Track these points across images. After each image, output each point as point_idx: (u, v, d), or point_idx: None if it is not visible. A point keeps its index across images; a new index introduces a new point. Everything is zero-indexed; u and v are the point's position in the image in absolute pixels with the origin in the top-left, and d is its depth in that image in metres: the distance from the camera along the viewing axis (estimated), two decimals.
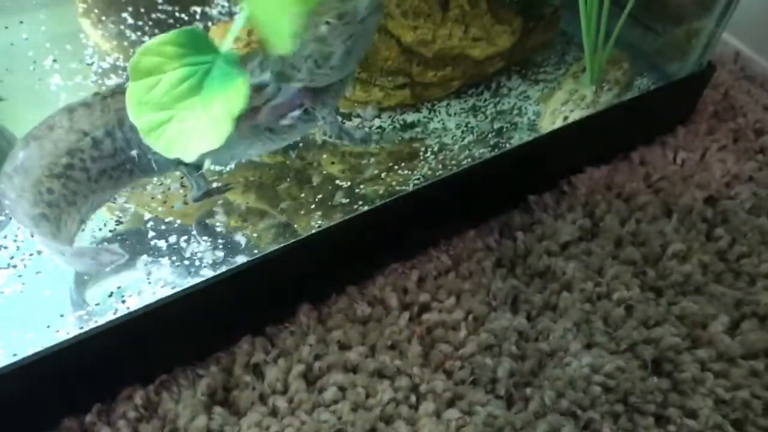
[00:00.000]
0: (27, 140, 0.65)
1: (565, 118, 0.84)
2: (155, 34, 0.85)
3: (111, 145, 0.67)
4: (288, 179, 0.79)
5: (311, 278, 0.75)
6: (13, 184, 0.64)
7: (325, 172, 0.79)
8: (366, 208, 0.74)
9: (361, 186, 0.78)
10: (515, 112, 0.87)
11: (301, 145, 0.81)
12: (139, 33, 0.85)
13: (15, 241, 0.69)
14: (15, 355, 0.61)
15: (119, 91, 0.66)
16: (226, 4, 0.85)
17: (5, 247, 0.69)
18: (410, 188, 0.77)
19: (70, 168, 0.66)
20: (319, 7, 0.61)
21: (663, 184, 0.88)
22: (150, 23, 0.85)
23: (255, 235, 0.74)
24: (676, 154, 0.92)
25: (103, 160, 0.67)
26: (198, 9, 0.85)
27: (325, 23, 0.61)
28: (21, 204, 0.63)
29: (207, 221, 0.75)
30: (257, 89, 0.67)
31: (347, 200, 0.77)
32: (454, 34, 0.80)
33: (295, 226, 0.75)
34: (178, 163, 0.69)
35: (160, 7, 0.86)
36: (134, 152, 0.68)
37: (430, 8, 0.78)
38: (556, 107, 0.86)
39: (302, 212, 0.76)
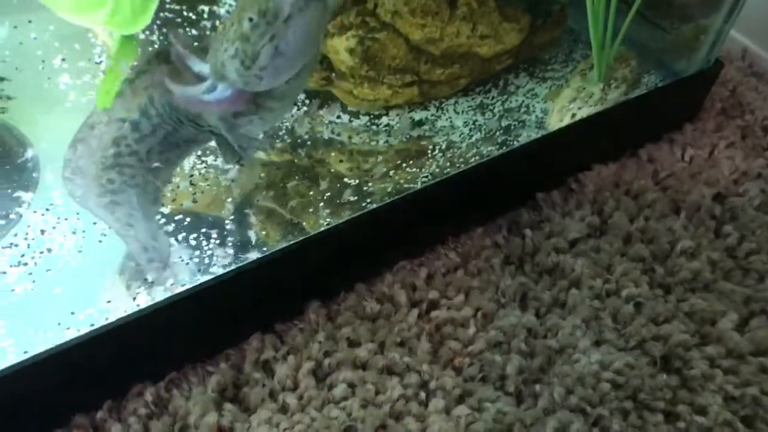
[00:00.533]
0: (74, 144, 0.67)
1: (573, 115, 0.84)
2: (163, 33, 0.86)
3: (148, 123, 0.66)
4: (296, 177, 0.79)
5: (320, 276, 0.75)
6: (76, 185, 0.67)
7: (333, 170, 0.80)
8: (374, 206, 0.74)
9: (369, 184, 0.78)
10: (523, 109, 0.87)
11: (309, 143, 0.81)
12: (147, 32, 0.85)
13: (26, 239, 0.69)
14: (26, 352, 0.61)
15: (142, 71, 0.66)
16: (233, 3, 0.85)
17: (16, 245, 0.69)
18: (418, 186, 0.77)
19: (119, 156, 0.66)
20: (243, 1, 0.59)
21: (671, 181, 0.88)
22: (158, 22, 0.85)
23: (263, 232, 0.74)
24: (684, 151, 0.92)
25: (146, 139, 0.67)
26: (206, 8, 0.85)
27: (248, 19, 0.57)
28: (90, 198, 0.67)
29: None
30: (198, 78, 0.64)
31: (355, 198, 0.77)
32: (462, 32, 0.80)
33: (304, 224, 0.76)
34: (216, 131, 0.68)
35: (168, 6, 0.86)
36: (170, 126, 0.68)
37: (438, 6, 0.78)
38: (563, 104, 0.86)
39: (310, 210, 0.76)
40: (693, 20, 0.92)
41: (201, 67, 0.63)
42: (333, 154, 0.81)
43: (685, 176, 0.89)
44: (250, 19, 0.57)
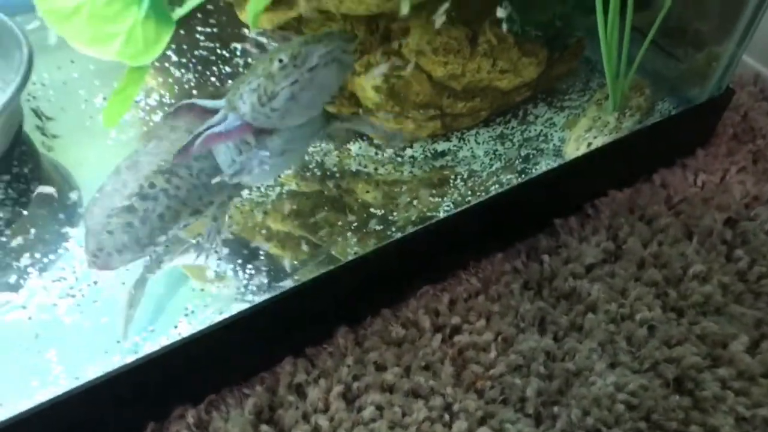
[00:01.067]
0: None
1: (589, 144, 0.88)
2: (198, 71, 0.90)
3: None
4: (325, 207, 0.83)
5: (348, 302, 0.79)
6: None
7: (360, 200, 0.84)
8: (399, 235, 0.78)
9: (395, 213, 0.82)
10: (541, 138, 0.91)
11: (337, 174, 0.85)
12: (183, 70, 0.90)
13: (74, 273, 0.74)
14: (77, 378, 0.66)
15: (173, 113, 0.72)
16: (264, 40, 0.89)
17: (64, 278, 0.74)
18: (441, 215, 0.81)
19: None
20: (283, 43, 0.64)
21: (684, 206, 0.91)
22: (193, 60, 0.90)
23: (295, 262, 0.78)
24: (696, 176, 0.95)
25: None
26: (238, 45, 0.90)
27: (278, 60, 0.62)
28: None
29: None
30: (211, 112, 0.68)
31: (381, 227, 0.81)
32: (483, 68, 0.84)
33: (333, 251, 0.80)
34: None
35: (201, 44, 0.91)
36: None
37: (460, 44, 0.82)
38: (580, 134, 0.89)
39: (339, 239, 0.80)
40: (705, 48, 0.96)
41: (214, 104, 0.69)
42: (360, 184, 0.85)
43: (698, 201, 0.92)
44: (281, 60, 0.62)
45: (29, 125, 0.87)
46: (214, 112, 0.68)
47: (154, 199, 0.70)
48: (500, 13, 0.81)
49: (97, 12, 0.60)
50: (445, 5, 0.77)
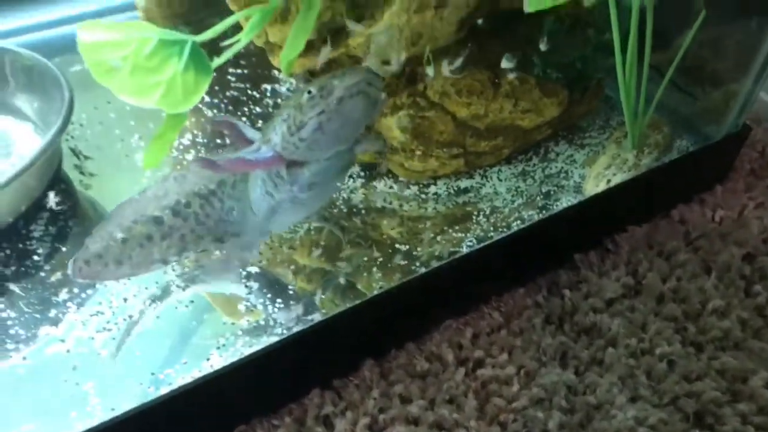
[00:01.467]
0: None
1: (608, 181, 0.90)
2: (230, 111, 0.93)
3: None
4: (350, 242, 0.85)
5: (373, 335, 0.81)
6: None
7: (385, 235, 0.86)
8: (423, 270, 0.80)
9: (419, 249, 0.84)
10: (562, 175, 0.93)
11: (363, 211, 0.88)
12: (215, 110, 0.93)
13: (110, 307, 0.77)
14: (113, 410, 0.68)
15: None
16: (293, 81, 0.92)
17: (102, 313, 0.76)
18: (464, 250, 0.83)
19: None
20: (315, 79, 0.67)
21: (702, 242, 0.93)
22: (225, 101, 0.93)
23: (322, 296, 0.81)
24: (714, 212, 0.97)
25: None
26: (268, 86, 0.93)
27: (307, 91, 0.65)
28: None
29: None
30: (246, 141, 0.72)
31: (406, 262, 0.83)
32: (505, 108, 0.87)
33: (358, 286, 0.82)
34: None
35: (233, 85, 0.94)
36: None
37: (483, 86, 0.85)
38: (599, 171, 0.92)
39: (365, 273, 0.83)
40: (722, 86, 0.98)
41: (252, 133, 0.72)
42: (385, 220, 0.87)
43: (716, 237, 0.94)
44: (309, 92, 0.65)
45: (67, 164, 0.90)
46: (249, 141, 0.71)
47: (185, 218, 0.73)
48: (505, 63, 0.84)
49: (139, 64, 0.63)
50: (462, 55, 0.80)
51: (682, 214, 0.97)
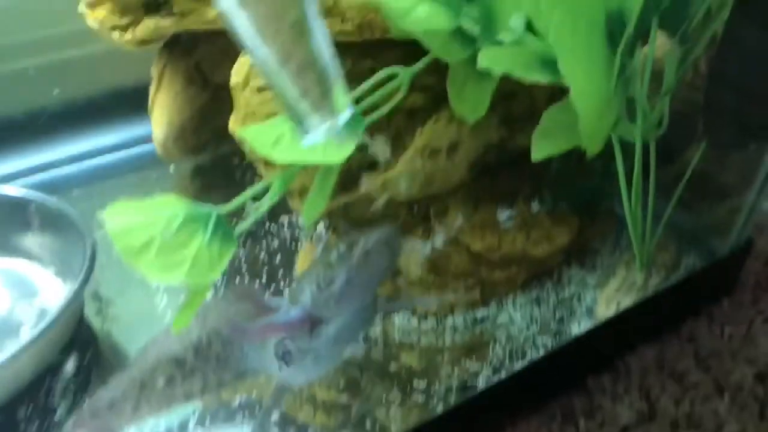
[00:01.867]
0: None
1: (619, 303, 0.92)
2: (245, 246, 0.95)
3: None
4: (369, 379, 0.87)
5: None
6: None
7: (403, 369, 0.88)
8: (440, 406, 0.82)
9: (436, 383, 0.86)
10: (575, 299, 0.95)
11: (382, 345, 0.89)
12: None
13: None
14: None
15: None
16: None
17: None
18: (480, 383, 0.84)
19: None
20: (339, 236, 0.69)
21: (712, 361, 0.94)
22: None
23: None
24: (722, 328, 0.99)
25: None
26: (285, 219, 0.95)
27: (336, 249, 0.69)
28: None
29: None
30: (267, 309, 0.74)
31: (424, 396, 0.84)
32: (518, 240, 0.89)
33: (377, 422, 0.83)
34: None
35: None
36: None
37: (495, 220, 0.87)
38: (610, 294, 0.94)
39: (383, 409, 0.84)
40: (726, 200, 1.00)
41: (275, 302, 0.74)
42: (404, 354, 0.89)
43: (726, 355, 0.95)
44: (338, 249, 0.67)
45: (89, 308, 0.92)
46: (269, 309, 0.73)
47: (206, 359, 0.75)
48: (501, 217, 0.87)
49: (166, 243, 0.64)
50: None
51: (691, 330, 0.99)
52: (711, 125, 0.96)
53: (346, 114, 0.56)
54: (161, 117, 1.06)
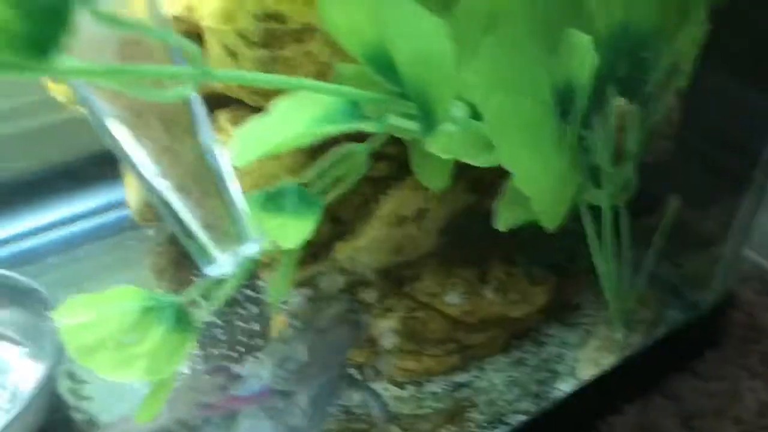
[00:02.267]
0: None
1: (599, 362, 0.91)
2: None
3: None
4: None
5: None
6: None
7: None
8: None
9: None
10: (555, 360, 0.94)
11: (361, 416, 0.88)
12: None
13: None
14: None
15: None
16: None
17: None
18: None
19: None
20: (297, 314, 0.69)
21: (697, 421, 0.93)
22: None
23: None
24: (707, 385, 0.97)
25: None
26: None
27: (293, 327, 0.68)
28: None
29: None
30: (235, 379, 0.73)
31: None
32: (494, 302, 0.88)
33: None
34: None
35: None
36: None
37: (470, 283, 0.87)
38: (590, 355, 0.92)
39: None
40: (707, 251, 0.99)
41: (245, 371, 0.72)
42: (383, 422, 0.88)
43: (710, 413, 0.94)
44: (295, 327, 0.66)
45: (63, 387, 0.91)
46: (239, 378, 0.72)
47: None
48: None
49: (121, 340, 0.63)
50: None
51: (674, 388, 0.97)
52: (686, 176, 0.95)
53: (252, 246, 0.56)
54: (133, 184, 1.06)
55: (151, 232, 1.15)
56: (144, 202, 1.06)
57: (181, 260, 1.13)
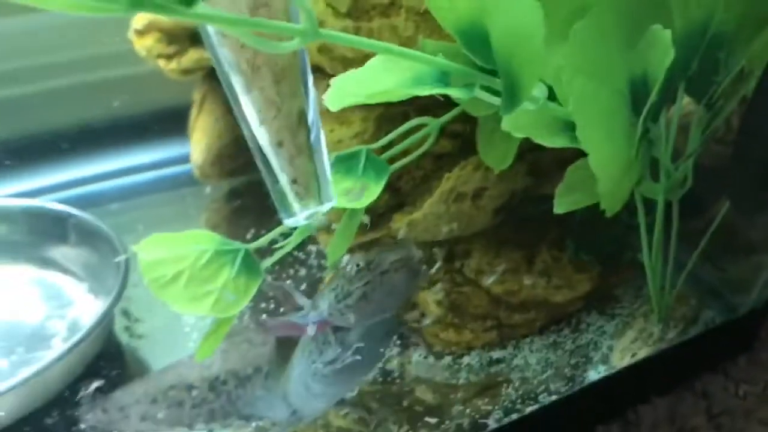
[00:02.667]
0: None
1: (633, 355, 0.93)
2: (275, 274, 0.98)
3: None
4: (383, 408, 0.89)
5: None
6: None
7: (416, 405, 0.90)
8: None
9: (447, 422, 0.87)
10: (591, 346, 0.96)
11: (397, 380, 0.92)
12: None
13: None
14: None
15: None
16: None
17: None
18: (491, 424, 0.86)
19: None
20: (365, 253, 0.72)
21: (724, 419, 0.95)
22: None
23: None
24: (738, 386, 0.99)
25: None
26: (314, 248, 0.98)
27: (356, 264, 0.71)
28: None
29: None
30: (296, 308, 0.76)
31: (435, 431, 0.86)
32: (538, 285, 0.91)
33: None
34: None
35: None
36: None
37: (517, 264, 0.89)
38: (626, 345, 0.95)
39: None
40: (750, 257, 1.01)
41: (302, 300, 0.76)
42: (418, 390, 0.91)
43: (739, 414, 0.96)
44: (358, 265, 0.70)
45: (118, 324, 0.95)
46: (299, 307, 0.76)
47: (218, 395, 0.78)
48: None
49: (194, 276, 0.67)
50: None
51: (705, 386, 0.99)
52: (738, 181, 0.97)
53: (328, 205, 0.61)
54: (200, 141, 1.10)
55: (208, 189, 1.20)
56: (206, 161, 1.11)
57: (233, 217, 1.17)
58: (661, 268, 0.92)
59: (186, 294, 0.67)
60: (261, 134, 0.53)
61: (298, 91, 0.53)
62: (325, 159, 0.59)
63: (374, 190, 0.68)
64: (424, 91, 0.56)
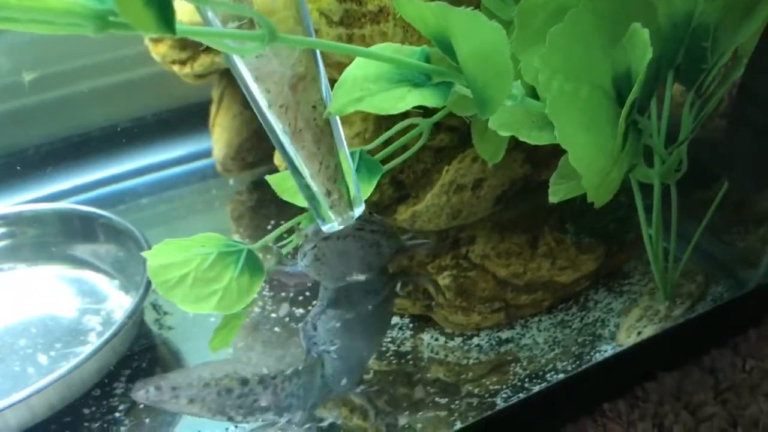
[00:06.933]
0: None
1: (639, 333, 0.96)
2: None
3: None
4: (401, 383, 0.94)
5: None
6: None
7: (431, 378, 0.95)
8: (458, 421, 0.88)
9: (456, 402, 0.92)
10: (598, 324, 1.00)
11: (411, 360, 0.97)
12: None
13: None
14: None
15: None
16: None
17: None
18: (499, 402, 0.90)
19: None
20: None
21: (730, 394, 0.97)
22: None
23: None
24: (745, 361, 1.01)
25: None
26: None
27: (304, 235, 0.75)
28: None
29: None
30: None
31: (445, 413, 0.91)
32: (543, 267, 0.94)
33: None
34: None
35: None
36: None
37: (521, 249, 0.93)
38: (632, 323, 0.98)
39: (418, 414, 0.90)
40: (758, 231, 1.02)
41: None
42: (430, 371, 0.95)
43: (745, 389, 0.98)
44: (306, 236, 0.75)
45: (148, 317, 1.02)
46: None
47: (265, 388, 0.83)
48: None
49: (199, 277, 0.73)
50: None
51: (713, 361, 1.02)
52: (730, 164, 0.98)
53: (358, 211, 0.67)
54: (220, 137, 1.16)
55: (231, 181, 1.26)
56: (227, 156, 1.16)
57: (257, 208, 1.23)
58: (662, 249, 0.94)
59: (192, 294, 0.73)
60: (290, 148, 0.61)
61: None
62: (354, 173, 0.66)
63: (366, 190, 0.72)
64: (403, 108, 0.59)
